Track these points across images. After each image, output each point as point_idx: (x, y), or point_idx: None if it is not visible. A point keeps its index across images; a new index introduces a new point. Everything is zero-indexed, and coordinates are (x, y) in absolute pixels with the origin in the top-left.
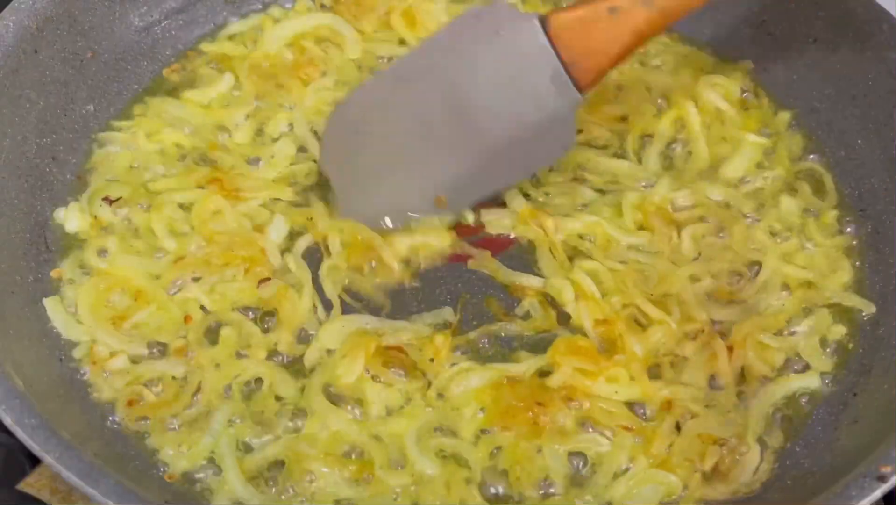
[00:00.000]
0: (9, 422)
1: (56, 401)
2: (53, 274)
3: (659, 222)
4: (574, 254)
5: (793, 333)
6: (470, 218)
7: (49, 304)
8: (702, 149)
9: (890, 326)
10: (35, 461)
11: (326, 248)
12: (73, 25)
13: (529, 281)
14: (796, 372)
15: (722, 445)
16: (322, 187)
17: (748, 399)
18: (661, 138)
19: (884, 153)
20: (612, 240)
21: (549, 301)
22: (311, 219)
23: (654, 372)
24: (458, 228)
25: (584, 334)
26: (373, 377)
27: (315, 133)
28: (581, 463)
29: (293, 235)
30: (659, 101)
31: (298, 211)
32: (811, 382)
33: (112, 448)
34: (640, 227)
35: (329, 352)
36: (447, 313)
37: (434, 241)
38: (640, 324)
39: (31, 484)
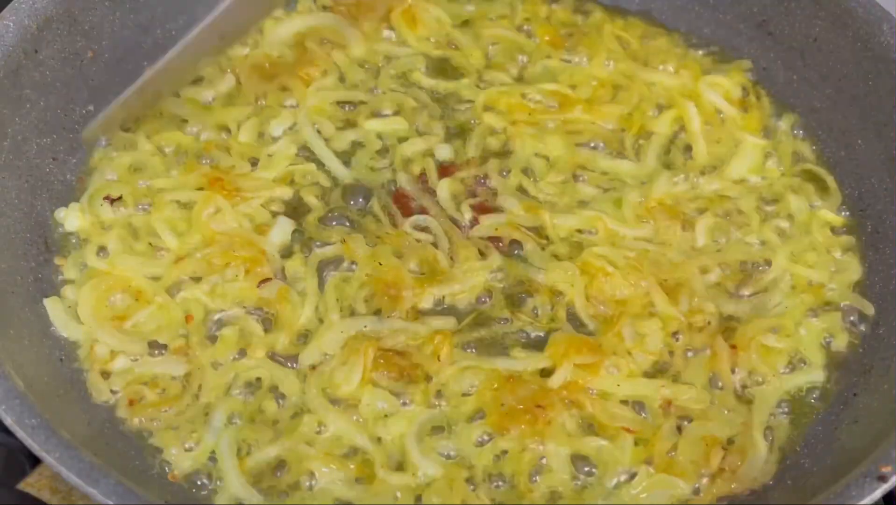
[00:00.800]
0: (9, 422)
1: (56, 401)
2: (57, 261)
3: (662, 216)
4: (581, 246)
5: (796, 334)
6: (467, 217)
7: (49, 304)
8: (701, 148)
9: (890, 326)
10: (35, 461)
11: (350, 265)
12: (73, 25)
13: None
14: (797, 370)
15: (726, 447)
16: (319, 187)
17: (750, 397)
18: (660, 137)
19: (884, 153)
20: (615, 233)
21: (559, 299)
22: (345, 241)
23: (659, 368)
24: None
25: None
26: (372, 383)
27: (318, 132)
28: (585, 466)
29: (307, 244)
30: (659, 100)
31: (333, 229)
32: (814, 377)
33: (112, 448)
34: (643, 221)
35: (327, 354)
36: (450, 323)
37: (467, 289)
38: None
39: (31, 484)
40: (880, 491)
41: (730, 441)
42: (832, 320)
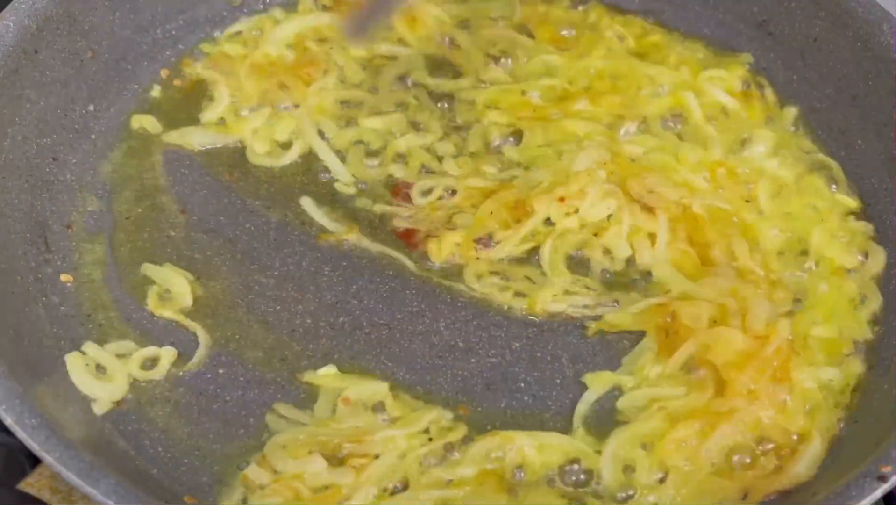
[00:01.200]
0: (9, 422)
1: (56, 401)
2: (63, 277)
3: (725, 180)
4: None
5: (837, 325)
6: None
7: (70, 360)
8: (711, 134)
9: (890, 325)
10: (35, 461)
11: None
12: (73, 25)
13: None
14: (837, 364)
15: (777, 446)
16: (313, 187)
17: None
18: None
19: (884, 153)
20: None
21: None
22: None
23: None
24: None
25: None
26: None
27: (321, 132)
28: None
29: None
30: (658, 90)
31: None
32: (854, 369)
33: (112, 448)
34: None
35: None
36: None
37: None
38: None
39: (31, 484)
40: (880, 491)
41: (787, 441)
42: (866, 310)
